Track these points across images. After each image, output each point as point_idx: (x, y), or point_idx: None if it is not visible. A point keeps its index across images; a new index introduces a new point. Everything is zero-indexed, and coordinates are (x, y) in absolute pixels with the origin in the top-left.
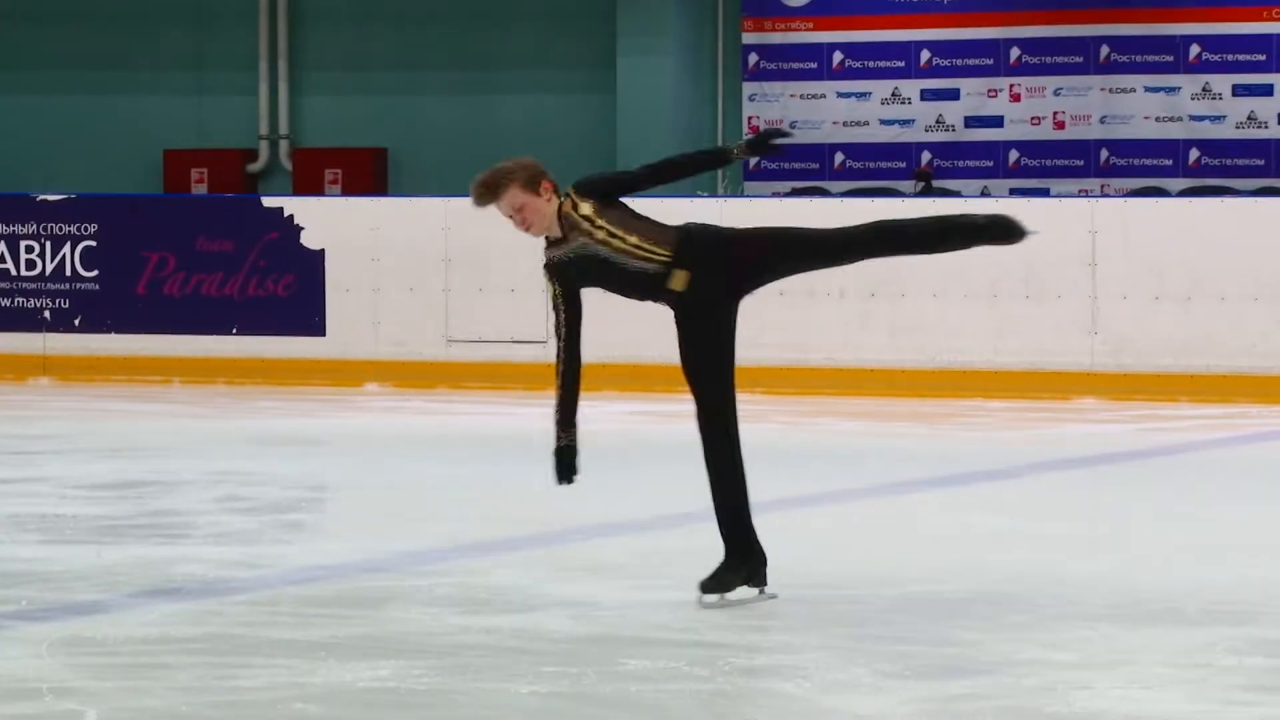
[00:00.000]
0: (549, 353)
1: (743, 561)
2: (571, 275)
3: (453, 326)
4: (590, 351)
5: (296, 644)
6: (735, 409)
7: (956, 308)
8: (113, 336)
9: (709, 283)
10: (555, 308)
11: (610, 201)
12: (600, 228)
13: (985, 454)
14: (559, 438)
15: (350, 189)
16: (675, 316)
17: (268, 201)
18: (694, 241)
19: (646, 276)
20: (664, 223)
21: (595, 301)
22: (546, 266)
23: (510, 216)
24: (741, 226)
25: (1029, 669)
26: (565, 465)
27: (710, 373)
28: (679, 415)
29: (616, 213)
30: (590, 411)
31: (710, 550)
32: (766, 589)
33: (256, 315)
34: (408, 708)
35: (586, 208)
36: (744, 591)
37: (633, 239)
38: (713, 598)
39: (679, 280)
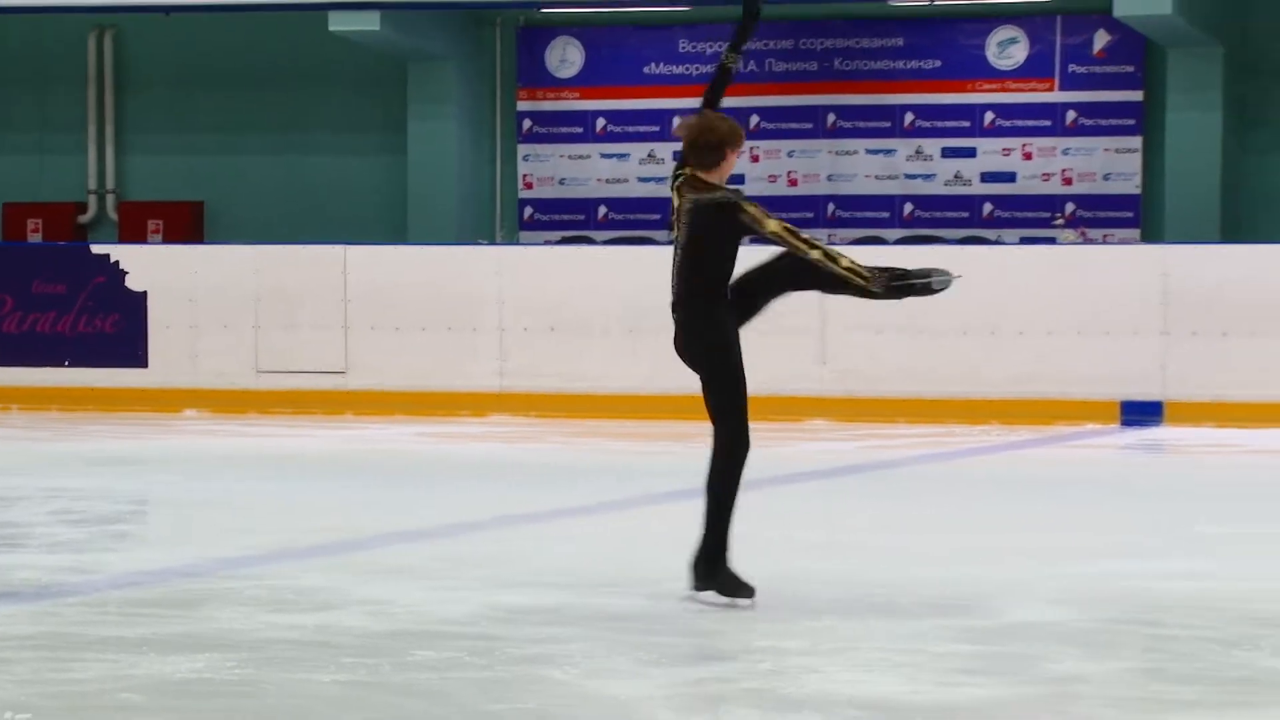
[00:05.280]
0: (347, 382)
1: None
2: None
3: (262, 359)
4: (385, 381)
5: (122, 640)
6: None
7: None
8: None
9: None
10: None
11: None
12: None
13: None
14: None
15: (171, 238)
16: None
17: (96, 249)
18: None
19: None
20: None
21: (389, 336)
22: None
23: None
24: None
25: (765, 655)
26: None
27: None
28: (460, 436)
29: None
30: (381, 433)
31: (488, 556)
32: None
33: (86, 350)
34: (221, 696)
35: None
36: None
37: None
38: (745, 601)
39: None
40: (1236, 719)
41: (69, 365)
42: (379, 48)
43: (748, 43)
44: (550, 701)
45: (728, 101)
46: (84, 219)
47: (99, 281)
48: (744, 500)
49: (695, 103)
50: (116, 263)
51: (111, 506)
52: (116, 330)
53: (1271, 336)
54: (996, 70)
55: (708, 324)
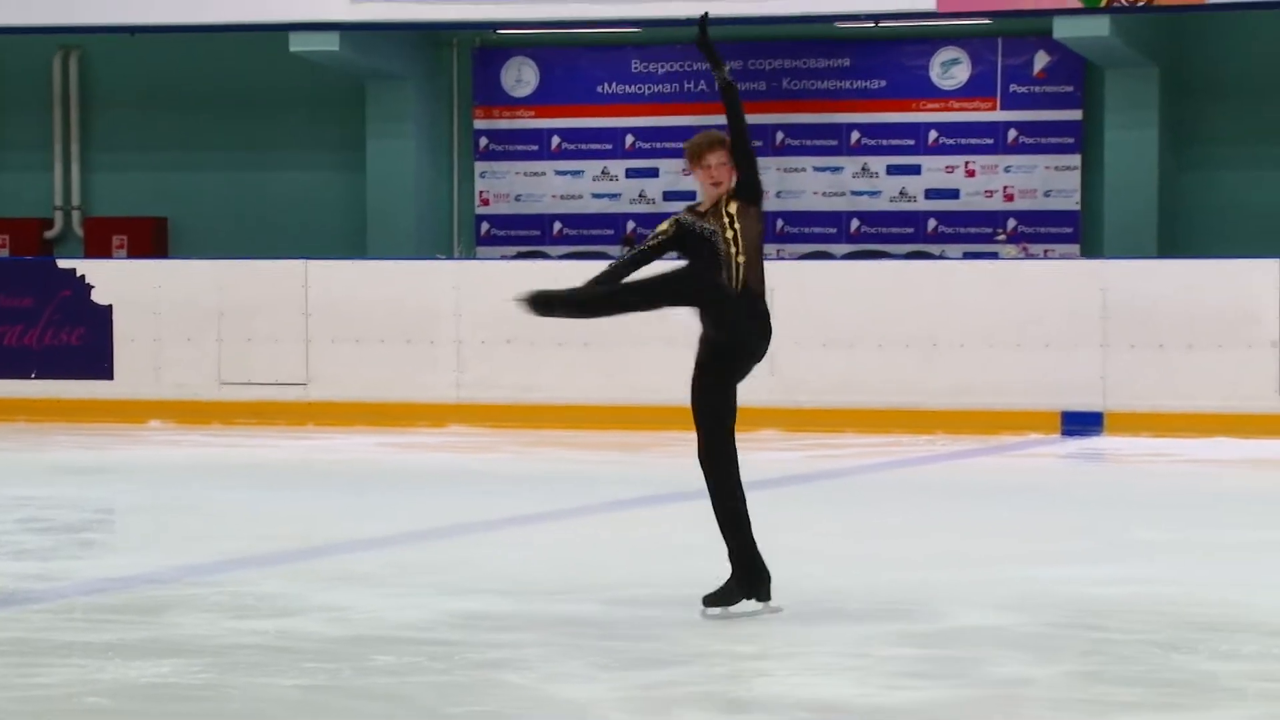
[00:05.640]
0: (308, 393)
1: (746, 578)
2: (682, 241)
3: (225, 371)
4: (346, 392)
5: (88, 646)
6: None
7: (656, 354)
8: None
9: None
10: (646, 245)
11: (745, 209)
12: (731, 229)
13: (682, 478)
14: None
15: (135, 253)
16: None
17: (62, 263)
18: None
19: (717, 271)
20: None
21: (349, 348)
22: (677, 221)
23: (710, 169)
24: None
25: (718, 660)
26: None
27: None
28: (419, 446)
29: (746, 223)
30: (342, 443)
31: (446, 562)
32: (770, 604)
33: (53, 362)
34: (186, 700)
35: (734, 207)
36: (747, 605)
37: (736, 249)
38: (716, 610)
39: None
40: None
41: (35, 377)
42: (338, 68)
43: (717, 57)
44: (507, 705)
45: (682, 120)
46: (50, 234)
47: (65, 295)
48: (702, 510)
49: (648, 121)
50: (82, 277)
51: (77, 515)
52: (82, 343)
53: (1207, 349)
54: (940, 90)
55: None
